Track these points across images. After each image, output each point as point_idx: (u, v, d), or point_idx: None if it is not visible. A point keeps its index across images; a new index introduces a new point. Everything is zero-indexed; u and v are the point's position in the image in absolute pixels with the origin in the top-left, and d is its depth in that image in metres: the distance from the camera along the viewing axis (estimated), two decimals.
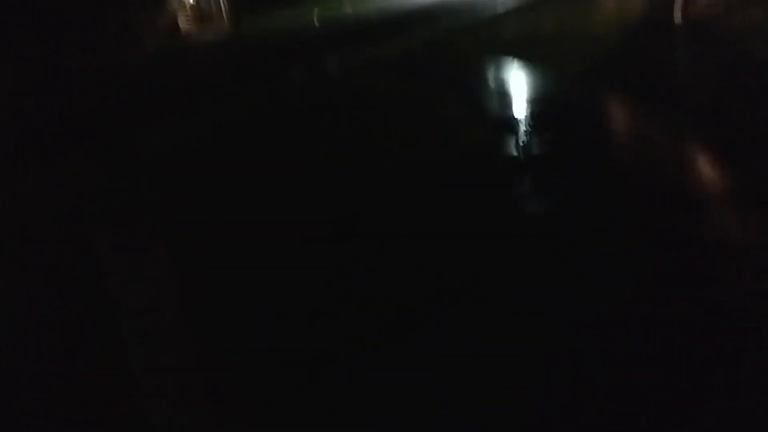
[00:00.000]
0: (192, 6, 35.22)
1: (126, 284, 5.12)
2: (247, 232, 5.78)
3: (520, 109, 7.87)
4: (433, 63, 12.37)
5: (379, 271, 4.58)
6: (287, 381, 3.39)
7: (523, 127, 7.12)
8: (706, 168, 5.54)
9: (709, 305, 3.41)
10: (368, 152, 7.57)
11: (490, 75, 10.16)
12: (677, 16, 10.84)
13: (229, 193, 7.00)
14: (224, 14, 33.43)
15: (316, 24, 24.26)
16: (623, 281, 3.81)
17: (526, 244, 4.55)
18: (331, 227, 5.55)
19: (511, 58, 10.62)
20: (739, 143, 5.62)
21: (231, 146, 9.25)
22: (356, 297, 4.24)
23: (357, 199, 6.13)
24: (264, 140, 9.21)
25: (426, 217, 5.35)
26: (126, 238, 6.23)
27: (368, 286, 4.37)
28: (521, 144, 6.58)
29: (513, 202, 5.46)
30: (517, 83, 9.20)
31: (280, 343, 3.80)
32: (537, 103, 8.04)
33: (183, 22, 34.65)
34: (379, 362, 3.43)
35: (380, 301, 4.13)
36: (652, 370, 2.96)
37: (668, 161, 5.83)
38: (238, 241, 5.55)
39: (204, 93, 15.31)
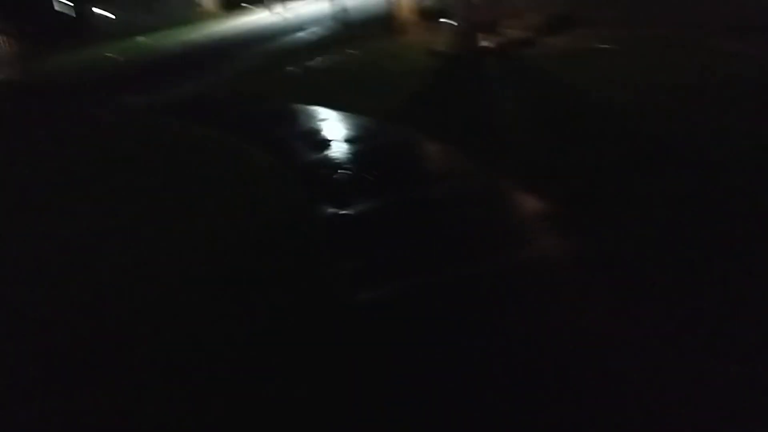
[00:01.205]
0: None
1: None
2: None
3: (329, 155, 6.75)
4: (233, 106, 10.98)
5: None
6: None
7: (333, 175, 6.06)
8: (530, 203, 4.81)
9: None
10: (163, 202, 6.37)
11: (293, 119, 8.96)
12: (485, 46, 10.47)
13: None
14: (10, 54, 29.76)
15: (115, 61, 22.04)
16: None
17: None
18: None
19: (317, 100, 9.53)
20: (557, 168, 5.24)
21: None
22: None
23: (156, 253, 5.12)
24: (53, 186, 7.82)
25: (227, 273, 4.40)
26: None
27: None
28: (331, 194, 5.48)
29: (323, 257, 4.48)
30: (326, 127, 8.08)
31: None
32: (347, 148, 6.98)
33: None
34: None
35: None
36: None
37: (488, 193, 5.18)
38: None
39: None
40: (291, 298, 3.97)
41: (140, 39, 28.27)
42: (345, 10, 18.32)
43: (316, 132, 7.83)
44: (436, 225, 4.71)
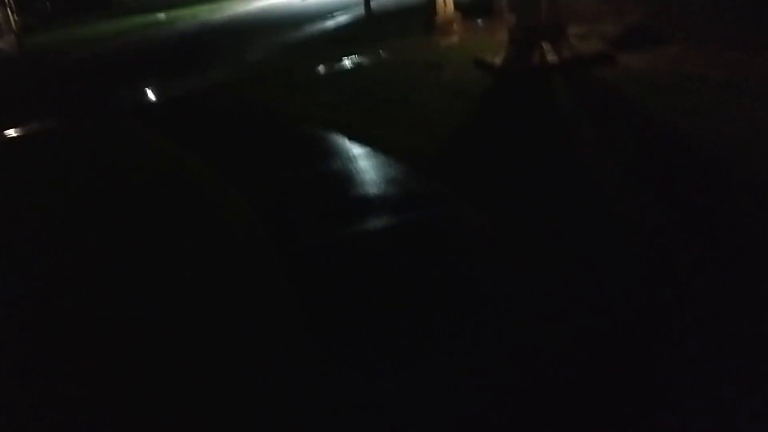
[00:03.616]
0: None
1: None
2: None
3: (340, 230, 4.78)
4: (227, 122, 8.97)
5: None
6: None
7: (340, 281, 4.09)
8: None
9: None
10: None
11: (300, 152, 6.96)
12: (548, 60, 8.35)
13: None
14: (13, 27, 28.24)
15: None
16: None
17: None
18: None
19: (334, 122, 7.54)
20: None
21: None
22: None
23: None
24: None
25: None
26: None
27: None
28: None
29: None
30: (341, 173, 6.09)
31: None
32: (366, 223, 4.99)
33: None
34: None
35: None
36: None
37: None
38: None
39: None
40: None
41: (160, 15, 26.40)
42: None
43: (331, 180, 5.82)
44: None
